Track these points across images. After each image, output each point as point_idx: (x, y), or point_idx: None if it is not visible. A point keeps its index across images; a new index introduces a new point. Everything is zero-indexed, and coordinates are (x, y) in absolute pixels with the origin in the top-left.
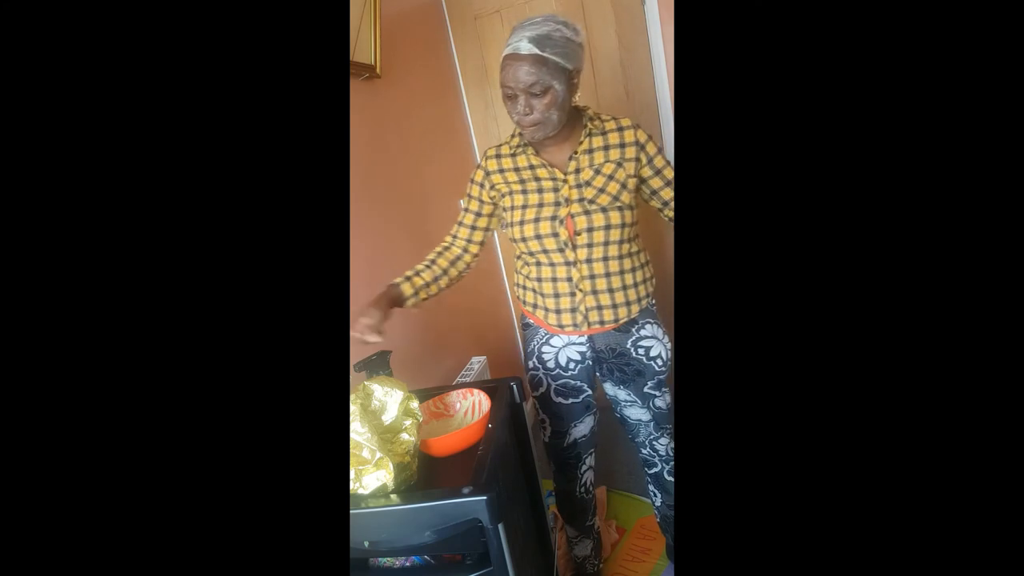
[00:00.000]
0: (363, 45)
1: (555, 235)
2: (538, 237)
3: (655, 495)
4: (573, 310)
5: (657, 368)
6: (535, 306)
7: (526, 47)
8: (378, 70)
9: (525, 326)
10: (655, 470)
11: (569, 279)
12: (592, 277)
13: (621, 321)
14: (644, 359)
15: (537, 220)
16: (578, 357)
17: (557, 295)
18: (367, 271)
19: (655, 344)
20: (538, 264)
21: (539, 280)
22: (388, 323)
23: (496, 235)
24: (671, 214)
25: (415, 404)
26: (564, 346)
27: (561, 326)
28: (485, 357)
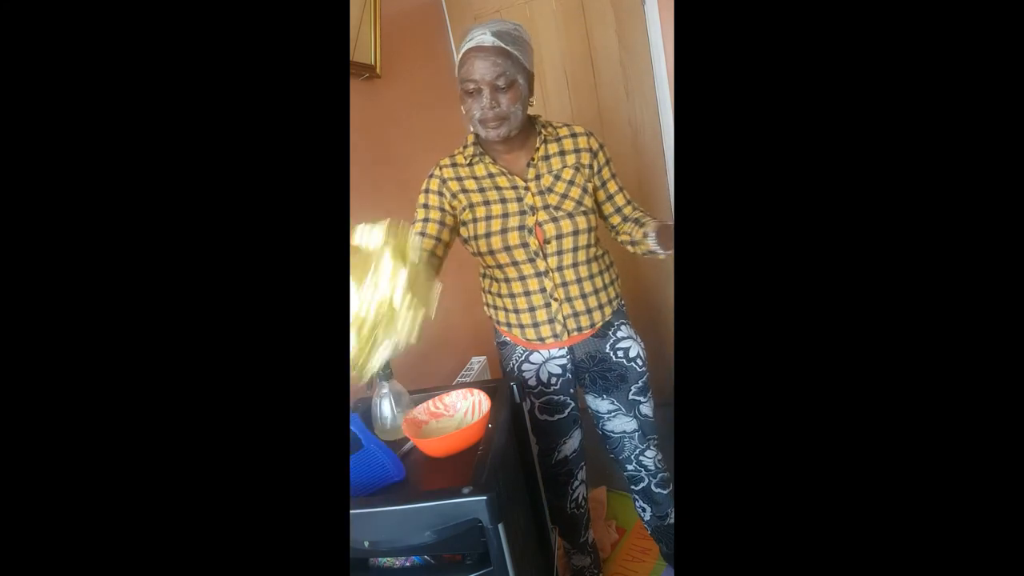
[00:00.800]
0: (363, 45)
1: (525, 245)
2: (507, 248)
3: (644, 510)
4: (551, 321)
5: (639, 369)
6: (509, 324)
7: (490, 39)
8: (378, 70)
9: (501, 344)
10: (643, 485)
11: (543, 290)
12: (565, 284)
13: (598, 325)
14: (625, 361)
15: (504, 231)
16: (559, 371)
17: (532, 308)
18: None
19: (632, 345)
20: (507, 280)
21: (511, 296)
22: None
23: None
24: (611, 228)
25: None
26: (544, 362)
27: (542, 339)
28: (485, 357)
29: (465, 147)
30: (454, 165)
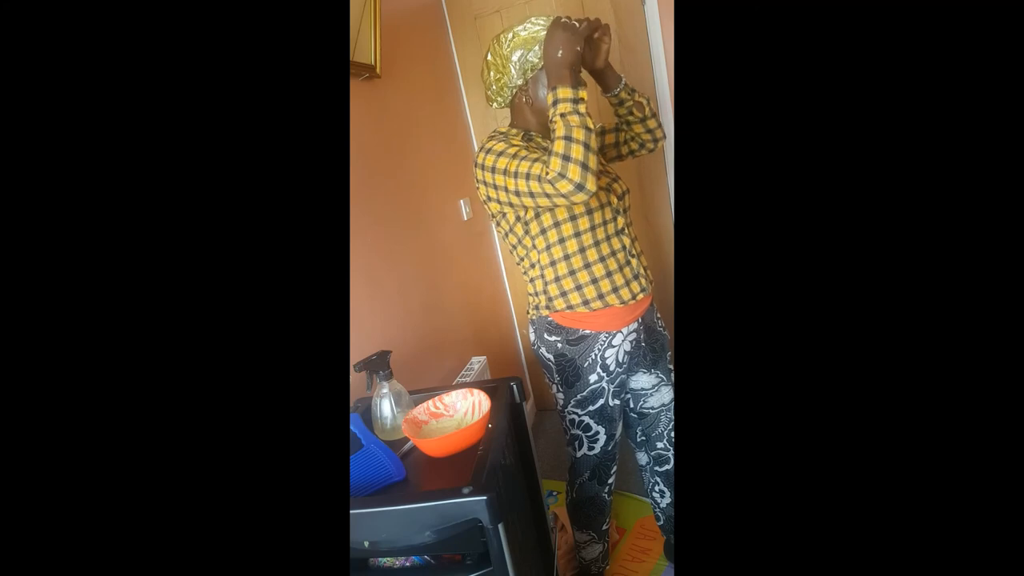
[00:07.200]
0: (363, 45)
1: (609, 204)
2: (601, 207)
3: (662, 494)
4: (636, 276)
5: (669, 337)
6: (594, 299)
7: None
8: (378, 70)
9: (576, 341)
10: (667, 467)
11: (623, 247)
12: (633, 240)
13: (652, 283)
14: (662, 329)
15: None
16: (629, 347)
17: (621, 267)
18: (366, 271)
19: (658, 313)
20: (581, 250)
21: (599, 260)
22: (388, 323)
23: (495, 236)
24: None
25: None
26: (622, 342)
27: (634, 296)
28: (485, 357)
29: (509, 134)
30: (508, 138)
